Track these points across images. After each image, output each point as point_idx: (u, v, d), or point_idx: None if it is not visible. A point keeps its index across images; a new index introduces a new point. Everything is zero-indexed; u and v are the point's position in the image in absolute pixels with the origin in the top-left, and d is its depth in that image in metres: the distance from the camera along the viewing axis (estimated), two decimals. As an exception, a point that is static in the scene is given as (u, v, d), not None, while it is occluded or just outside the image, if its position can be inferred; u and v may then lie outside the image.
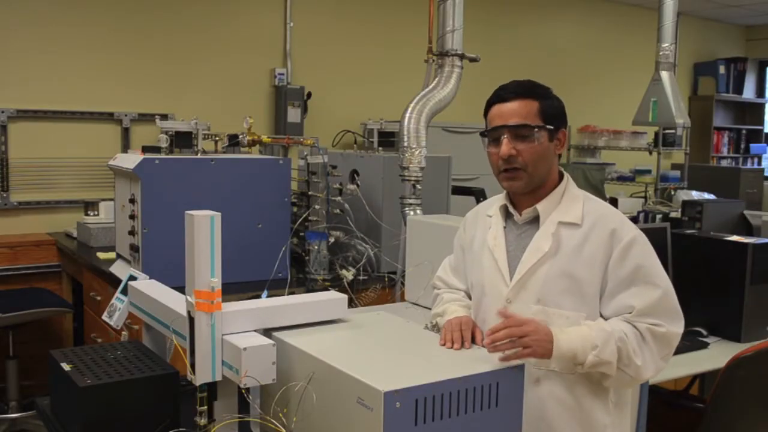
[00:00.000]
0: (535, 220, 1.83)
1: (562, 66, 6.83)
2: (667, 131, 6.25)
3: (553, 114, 1.80)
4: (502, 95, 1.81)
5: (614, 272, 1.73)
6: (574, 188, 1.86)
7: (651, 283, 1.72)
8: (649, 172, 6.64)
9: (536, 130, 1.77)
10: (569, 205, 1.81)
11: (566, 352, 1.66)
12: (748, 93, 8.61)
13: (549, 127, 1.78)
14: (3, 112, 4.30)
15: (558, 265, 1.75)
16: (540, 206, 1.81)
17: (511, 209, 1.87)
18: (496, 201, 1.95)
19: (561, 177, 1.87)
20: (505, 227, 1.87)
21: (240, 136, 3.46)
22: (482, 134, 1.85)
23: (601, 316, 1.76)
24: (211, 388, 1.62)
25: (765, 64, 8.80)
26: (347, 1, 5.61)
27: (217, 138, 3.47)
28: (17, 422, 3.84)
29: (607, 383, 1.74)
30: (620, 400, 1.82)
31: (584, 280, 1.74)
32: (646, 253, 1.75)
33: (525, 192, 1.83)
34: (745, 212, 3.97)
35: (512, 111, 1.78)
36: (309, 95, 5.26)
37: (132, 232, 3.02)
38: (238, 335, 1.56)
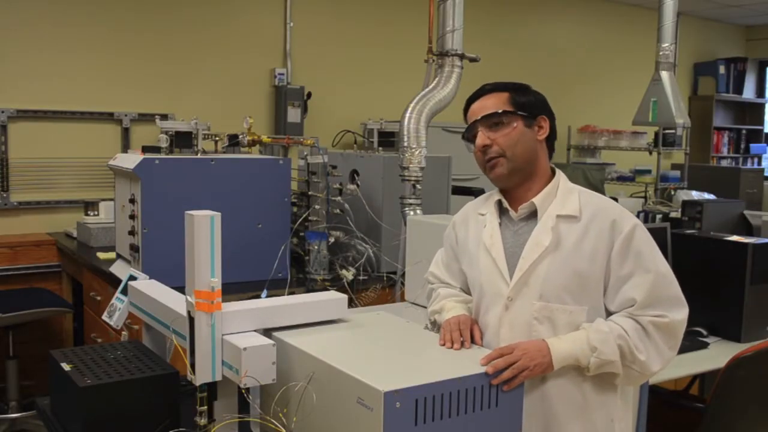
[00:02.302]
0: (532, 216, 1.82)
1: (562, 66, 6.83)
2: (667, 131, 6.25)
3: (526, 102, 1.82)
4: (474, 95, 1.87)
5: (617, 264, 1.73)
6: (567, 182, 1.85)
7: (647, 270, 1.72)
8: (649, 172, 6.64)
9: (505, 116, 1.79)
10: (565, 197, 1.80)
11: (567, 358, 1.66)
12: (748, 93, 8.61)
13: (521, 113, 1.79)
14: (3, 112, 4.30)
15: (559, 260, 1.74)
16: (537, 200, 1.80)
17: (506, 204, 1.85)
18: (487, 199, 1.93)
19: (553, 173, 1.87)
20: (500, 224, 1.86)
21: (240, 136, 3.46)
22: (463, 137, 1.88)
23: (607, 311, 1.76)
24: (211, 388, 1.61)
25: (765, 64, 8.80)
26: (347, 1, 5.61)
27: (217, 138, 3.47)
28: (17, 422, 3.84)
29: (618, 381, 1.74)
30: (625, 395, 1.82)
31: (586, 274, 1.73)
32: (646, 242, 1.75)
33: (510, 181, 1.82)
34: (745, 212, 3.96)
35: (483, 106, 1.82)
36: (309, 95, 5.26)
37: (132, 232, 3.02)
38: (238, 335, 1.56)
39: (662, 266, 1.74)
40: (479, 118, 1.80)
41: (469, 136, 1.84)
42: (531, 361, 1.59)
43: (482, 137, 1.79)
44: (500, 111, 1.79)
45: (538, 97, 1.86)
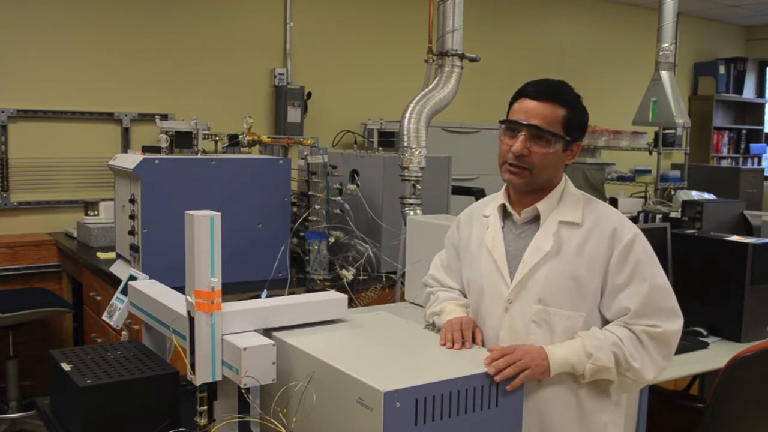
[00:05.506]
0: (535, 220, 1.82)
1: (562, 66, 6.82)
2: (667, 131, 6.24)
3: (576, 126, 1.78)
4: (533, 92, 1.77)
5: (614, 272, 1.73)
6: (572, 188, 1.85)
7: (643, 280, 1.72)
8: (649, 172, 6.64)
9: (554, 138, 1.75)
10: (569, 204, 1.81)
11: (563, 364, 1.67)
12: (748, 93, 8.61)
13: (567, 138, 1.76)
14: (3, 112, 4.30)
15: (559, 265, 1.74)
16: (540, 205, 1.80)
17: (509, 208, 1.86)
18: (491, 201, 1.94)
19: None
20: (503, 227, 1.86)
21: (240, 136, 3.46)
22: (501, 121, 1.82)
23: (603, 319, 1.77)
24: (211, 388, 1.62)
25: (765, 64, 8.80)
26: (347, 1, 5.62)
27: (217, 138, 3.47)
28: (17, 422, 3.85)
29: (612, 389, 1.75)
30: (619, 399, 1.82)
31: (585, 280, 1.74)
32: (645, 252, 1.75)
33: (522, 190, 1.82)
34: (745, 212, 3.96)
35: (537, 111, 1.75)
36: (309, 95, 5.26)
37: (132, 232, 3.02)
38: (238, 335, 1.56)
39: (659, 277, 1.74)
40: (530, 123, 1.74)
41: (509, 128, 1.78)
42: (532, 362, 1.60)
43: (521, 145, 1.74)
44: (552, 132, 1.74)
45: (585, 116, 1.82)
